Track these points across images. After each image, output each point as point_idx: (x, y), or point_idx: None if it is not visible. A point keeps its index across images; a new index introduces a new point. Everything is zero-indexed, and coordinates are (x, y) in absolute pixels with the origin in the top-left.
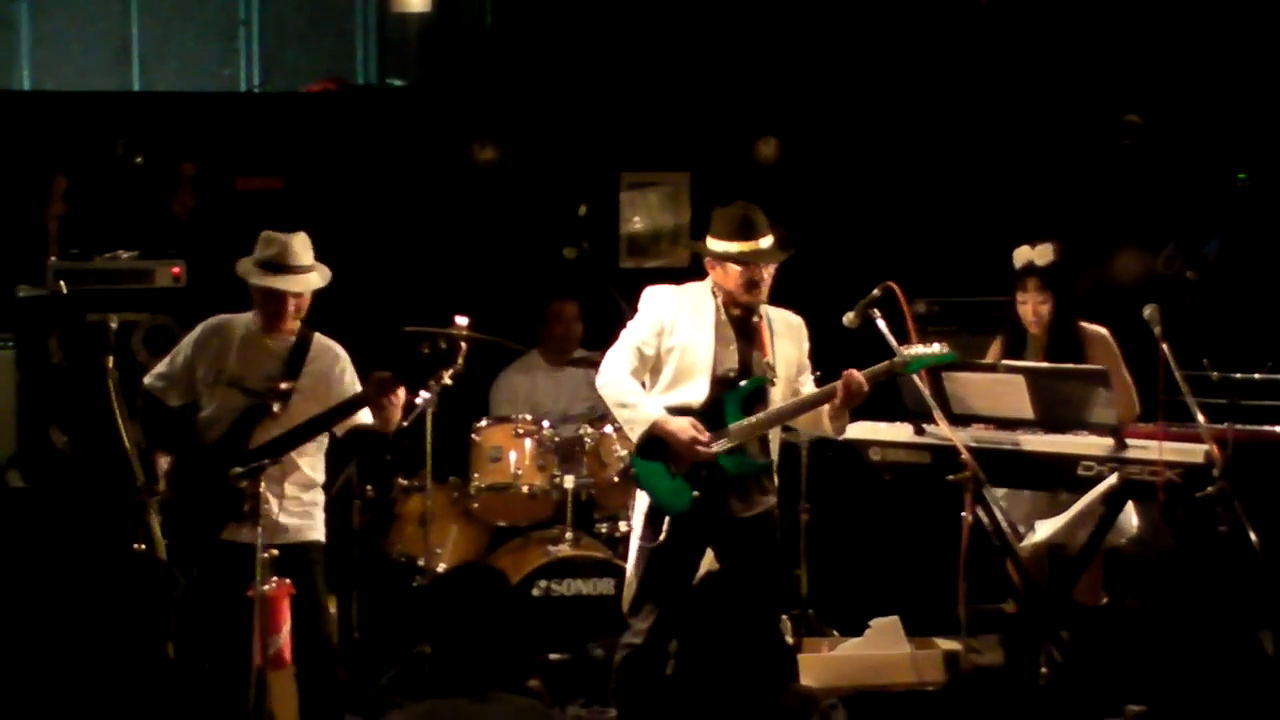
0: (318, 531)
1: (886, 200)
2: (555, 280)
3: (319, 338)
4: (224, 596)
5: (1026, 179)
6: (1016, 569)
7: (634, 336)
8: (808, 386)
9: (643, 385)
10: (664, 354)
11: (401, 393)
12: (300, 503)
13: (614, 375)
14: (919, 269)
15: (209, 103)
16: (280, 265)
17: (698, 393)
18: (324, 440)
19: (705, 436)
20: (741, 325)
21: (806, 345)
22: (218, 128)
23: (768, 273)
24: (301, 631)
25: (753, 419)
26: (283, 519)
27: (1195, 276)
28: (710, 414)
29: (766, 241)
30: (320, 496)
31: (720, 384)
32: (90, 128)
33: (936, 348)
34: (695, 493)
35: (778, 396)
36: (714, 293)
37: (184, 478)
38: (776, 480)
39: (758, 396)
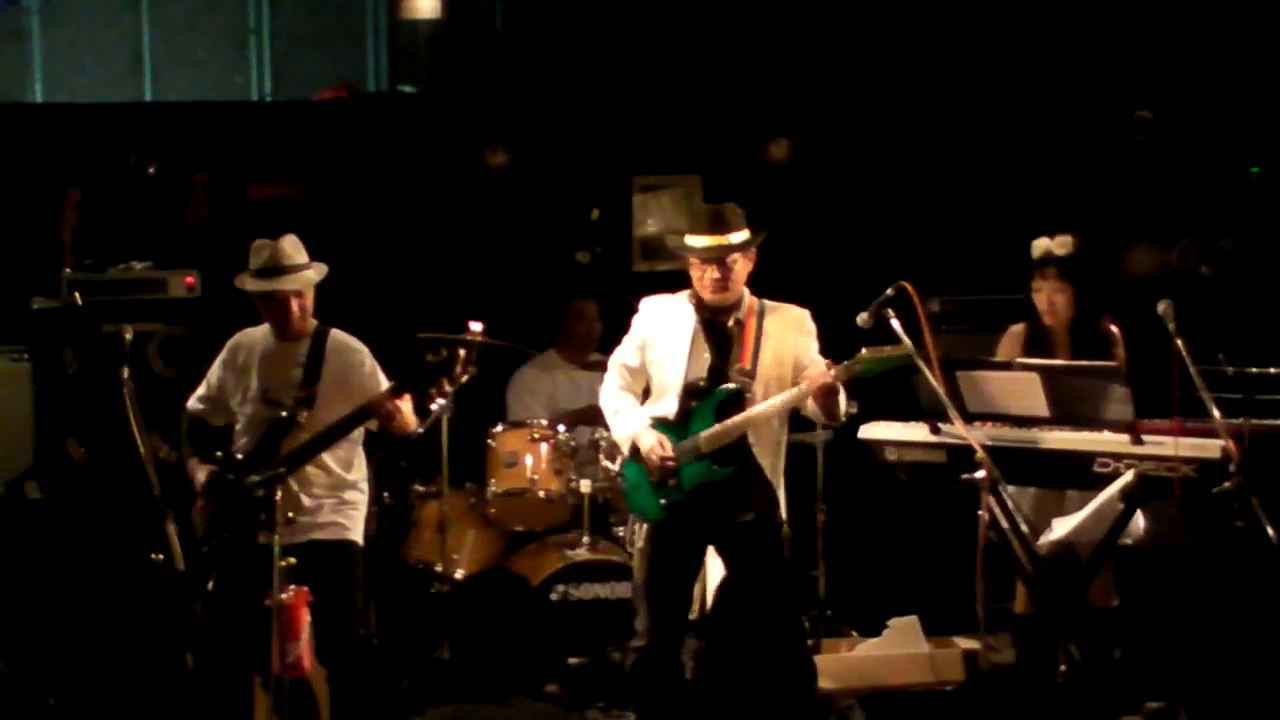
0: (353, 533)
1: (898, 200)
2: (569, 284)
3: (335, 335)
4: (255, 601)
5: (1039, 176)
6: (1033, 568)
7: (620, 353)
8: None
9: (644, 395)
10: (648, 366)
11: (405, 403)
12: (340, 501)
13: (605, 391)
14: (932, 268)
15: (221, 112)
16: (274, 268)
17: (670, 404)
18: (356, 439)
19: (666, 452)
20: (718, 331)
21: (810, 340)
22: (230, 136)
23: (722, 270)
24: (333, 634)
25: (719, 426)
26: (320, 516)
27: (1209, 271)
28: (682, 424)
29: (703, 240)
30: (358, 498)
31: (690, 394)
32: (103, 139)
33: (902, 347)
34: (663, 500)
35: (761, 399)
36: (691, 300)
37: (218, 490)
38: (781, 483)
39: (731, 404)
